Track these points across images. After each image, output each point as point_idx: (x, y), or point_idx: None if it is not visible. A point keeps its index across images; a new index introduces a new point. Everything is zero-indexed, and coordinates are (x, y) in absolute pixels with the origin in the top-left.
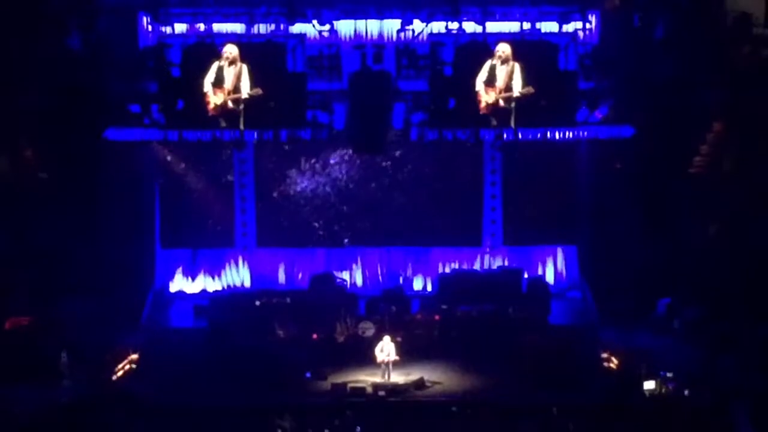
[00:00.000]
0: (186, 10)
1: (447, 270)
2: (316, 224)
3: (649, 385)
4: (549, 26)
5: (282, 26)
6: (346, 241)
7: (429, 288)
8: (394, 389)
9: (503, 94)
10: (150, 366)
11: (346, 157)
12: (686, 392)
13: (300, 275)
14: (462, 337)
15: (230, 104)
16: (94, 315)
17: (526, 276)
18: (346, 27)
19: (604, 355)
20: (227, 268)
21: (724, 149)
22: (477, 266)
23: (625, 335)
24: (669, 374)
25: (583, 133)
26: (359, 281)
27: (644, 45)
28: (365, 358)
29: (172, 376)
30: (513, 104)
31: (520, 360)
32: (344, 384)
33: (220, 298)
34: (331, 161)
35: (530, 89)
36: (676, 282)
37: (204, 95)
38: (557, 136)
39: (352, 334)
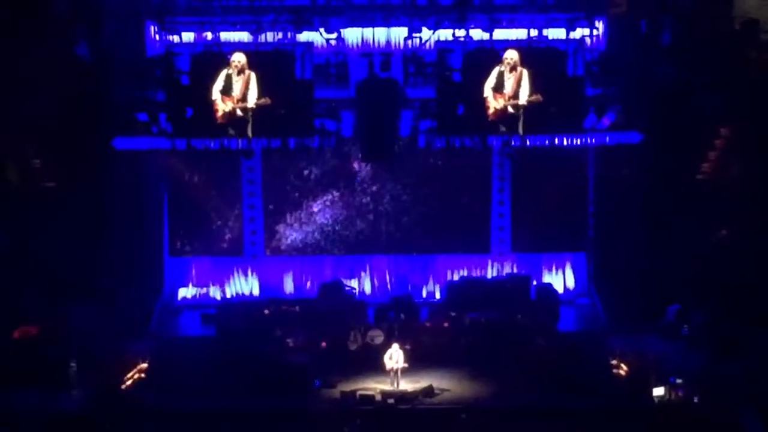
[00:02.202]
0: (193, 18)
1: (455, 277)
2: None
3: (658, 391)
4: (556, 33)
5: (289, 35)
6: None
7: (437, 295)
8: (403, 397)
9: (511, 101)
10: (158, 374)
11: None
12: (695, 398)
13: (308, 283)
14: (471, 344)
15: (239, 112)
16: (102, 324)
17: (534, 283)
18: (353, 35)
19: (614, 362)
20: (235, 276)
21: (732, 155)
22: (487, 273)
23: (634, 341)
24: (678, 380)
25: (590, 140)
26: (368, 289)
27: (651, 51)
28: (374, 366)
29: (181, 384)
30: (521, 111)
31: (529, 367)
32: (353, 392)
33: (228, 306)
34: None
35: (538, 97)
36: (685, 288)
37: (212, 103)
38: (565, 143)
39: (364, 343)
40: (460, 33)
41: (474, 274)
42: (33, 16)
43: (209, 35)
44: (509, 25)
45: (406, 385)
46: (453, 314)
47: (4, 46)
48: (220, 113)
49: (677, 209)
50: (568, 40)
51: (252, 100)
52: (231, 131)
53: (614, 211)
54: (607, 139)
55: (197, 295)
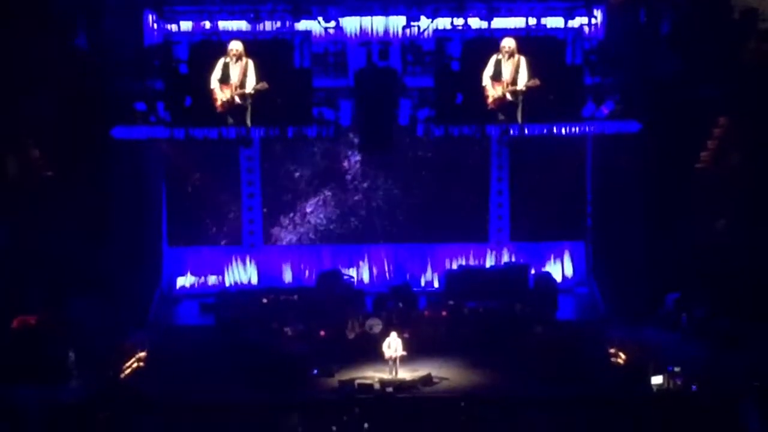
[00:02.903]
0: (191, 7)
1: (454, 266)
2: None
3: (656, 380)
4: (554, 22)
5: (287, 23)
6: None
7: (436, 284)
8: (401, 385)
9: (510, 88)
10: (157, 364)
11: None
12: (693, 387)
13: (307, 272)
14: (469, 333)
15: (237, 100)
16: (101, 314)
17: (532, 272)
18: (351, 24)
19: (612, 351)
20: (234, 265)
21: (731, 144)
22: (486, 262)
23: (633, 331)
24: (676, 369)
25: (589, 129)
26: (366, 278)
27: (650, 40)
28: (372, 355)
29: (180, 374)
30: (520, 98)
31: (528, 356)
32: (352, 380)
33: (227, 295)
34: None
35: (536, 81)
36: (684, 277)
37: (211, 92)
38: (563, 132)
39: (362, 331)
40: (459, 22)
41: (472, 263)
42: (32, 6)
43: (207, 24)
44: (508, 13)
45: (405, 373)
46: (451, 303)
47: (3, 37)
48: (219, 102)
49: (676, 198)
50: (566, 29)
51: (250, 86)
52: (230, 119)
53: (613, 200)
54: (606, 128)
55: (196, 285)
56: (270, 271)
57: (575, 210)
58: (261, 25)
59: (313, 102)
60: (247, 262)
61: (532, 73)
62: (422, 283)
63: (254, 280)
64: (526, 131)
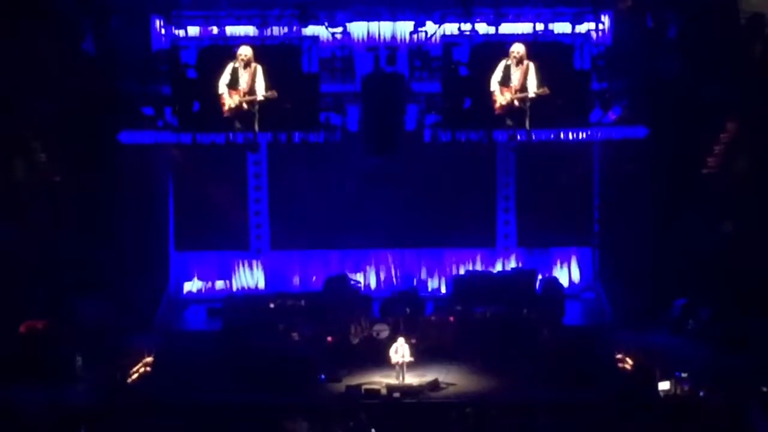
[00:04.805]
0: (199, 12)
1: (461, 271)
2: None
3: (664, 385)
4: (562, 27)
5: (294, 29)
6: None
7: (443, 289)
8: (408, 391)
9: (518, 94)
10: (164, 368)
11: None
12: (701, 392)
13: (314, 277)
14: (476, 338)
15: (245, 106)
16: (108, 318)
17: (540, 277)
18: (358, 29)
19: (619, 356)
20: (241, 270)
21: (738, 149)
22: (497, 267)
23: (640, 336)
24: (684, 374)
25: (596, 134)
26: (373, 283)
27: (657, 45)
28: (380, 360)
29: (187, 378)
30: (528, 104)
31: (535, 361)
32: (359, 386)
33: (234, 300)
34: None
35: (545, 89)
36: (691, 282)
37: (219, 97)
38: (571, 137)
39: (366, 335)
40: (466, 27)
41: (479, 269)
42: (39, 10)
43: (215, 29)
44: (515, 19)
45: (412, 379)
46: (458, 308)
47: (10, 40)
48: (226, 107)
49: (683, 203)
50: (574, 35)
51: (259, 94)
52: (237, 124)
53: (620, 206)
54: (613, 133)
55: (203, 289)
56: (277, 276)
57: (582, 215)
58: (268, 31)
59: (321, 107)
60: (254, 266)
61: (541, 79)
62: (429, 289)
63: (261, 285)
64: (534, 137)
